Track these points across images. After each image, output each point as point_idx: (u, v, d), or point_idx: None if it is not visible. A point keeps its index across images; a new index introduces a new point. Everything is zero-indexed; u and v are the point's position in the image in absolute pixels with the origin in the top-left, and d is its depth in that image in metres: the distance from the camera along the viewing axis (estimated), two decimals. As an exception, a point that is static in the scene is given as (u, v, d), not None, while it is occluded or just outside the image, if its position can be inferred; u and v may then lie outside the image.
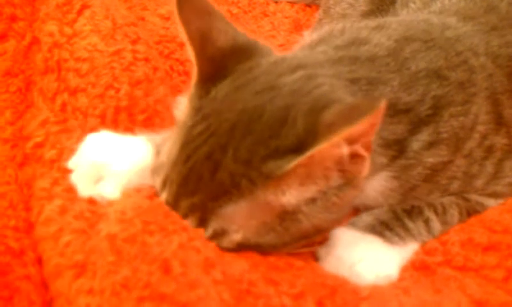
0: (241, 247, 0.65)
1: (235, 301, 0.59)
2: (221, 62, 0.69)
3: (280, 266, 0.66)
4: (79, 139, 0.76)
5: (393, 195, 0.75)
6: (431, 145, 0.73)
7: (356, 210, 0.77)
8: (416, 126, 0.72)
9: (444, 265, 0.72)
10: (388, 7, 1.03)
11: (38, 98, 0.83)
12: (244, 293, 0.60)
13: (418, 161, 0.73)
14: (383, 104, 0.57)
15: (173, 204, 0.66)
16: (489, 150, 0.79)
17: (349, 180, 0.64)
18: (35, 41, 0.87)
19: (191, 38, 0.69)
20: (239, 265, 0.63)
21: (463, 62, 0.79)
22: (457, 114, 0.75)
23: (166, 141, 0.70)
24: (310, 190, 0.63)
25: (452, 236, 0.76)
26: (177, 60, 1.00)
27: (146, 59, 0.88)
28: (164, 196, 0.67)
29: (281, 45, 1.21)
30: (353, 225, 0.74)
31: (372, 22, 0.82)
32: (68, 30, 0.86)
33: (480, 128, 0.78)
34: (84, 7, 0.89)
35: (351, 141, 0.60)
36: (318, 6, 1.28)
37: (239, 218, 0.64)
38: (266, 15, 1.33)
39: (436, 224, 0.76)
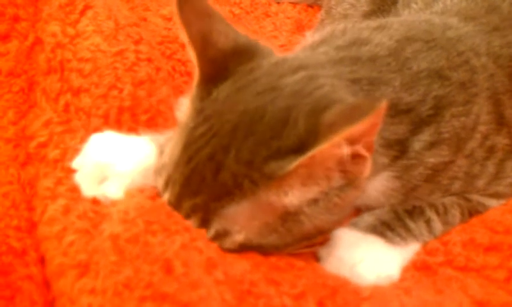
0: (243, 248, 0.66)
1: (237, 301, 0.59)
2: (222, 64, 0.69)
3: (281, 266, 0.66)
4: (83, 139, 0.76)
5: (394, 195, 0.76)
6: (432, 145, 0.73)
7: (358, 210, 0.77)
8: (418, 126, 0.72)
9: (445, 265, 0.72)
10: (389, 8, 1.03)
11: (41, 98, 0.83)
12: (246, 293, 0.60)
13: (419, 161, 0.73)
14: (383, 104, 0.57)
15: (176, 204, 0.66)
16: (491, 150, 0.79)
17: (351, 181, 0.64)
18: (38, 41, 0.88)
19: (192, 39, 0.69)
20: (241, 265, 0.63)
21: (464, 63, 0.79)
22: (459, 114, 0.75)
23: (169, 142, 0.71)
24: (312, 191, 0.64)
25: (453, 236, 0.76)
26: (179, 61, 1.00)
27: (149, 60, 0.88)
28: (166, 197, 0.67)
29: (283, 46, 1.21)
30: (354, 225, 0.74)
31: (373, 23, 0.82)
32: (70, 30, 0.87)
33: (482, 128, 0.78)
34: (87, 7, 0.90)
35: (352, 141, 0.60)
36: (320, 7, 1.29)
37: (241, 219, 0.64)
38: (268, 16, 1.33)
39: (437, 225, 0.77)
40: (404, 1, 1.00)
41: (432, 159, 0.74)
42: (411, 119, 0.72)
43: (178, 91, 0.92)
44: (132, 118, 0.82)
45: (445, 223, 0.77)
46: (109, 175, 0.71)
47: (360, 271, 0.70)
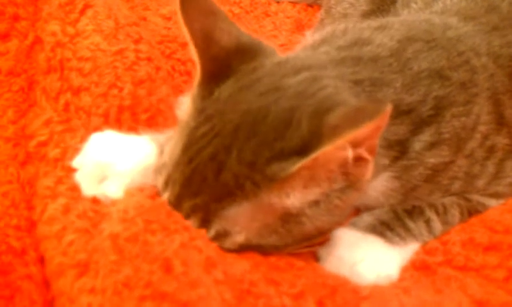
0: (243, 248, 0.66)
1: (236, 301, 0.59)
2: (224, 62, 0.69)
3: (280, 266, 0.66)
4: (83, 138, 0.76)
5: (394, 195, 0.76)
6: (432, 145, 0.73)
7: (357, 210, 0.77)
8: (418, 126, 0.72)
9: (445, 265, 0.73)
10: (388, 7, 1.03)
11: (41, 97, 0.83)
12: (245, 293, 0.60)
13: (419, 161, 0.73)
14: (388, 108, 0.57)
15: (176, 204, 0.66)
16: (491, 150, 0.79)
17: (353, 183, 0.64)
18: (38, 40, 0.87)
19: (194, 37, 0.69)
20: (240, 265, 0.63)
21: (464, 63, 0.79)
22: (459, 115, 0.75)
23: (169, 141, 0.71)
24: (314, 193, 0.63)
25: (453, 236, 0.76)
26: (179, 60, 1.00)
27: (149, 59, 0.88)
28: (166, 196, 0.67)
29: (282, 45, 1.20)
30: (354, 225, 0.75)
31: (374, 22, 0.82)
32: (70, 29, 0.86)
33: (482, 128, 0.78)
34: (87, 7, 0.89)
35: (355, 144, 0.60)
36: (320, 6, 1.29)
37: (242, 220, 0.64)
38: (268, 15, 1.32)
39: (437, 224, 0.77)
40: (403, 1, 1.00)
41: (432, 159, 0.74)
42: (411, 119, 0.72)
43: (178, 91, 0.92)
44: (132, 117, 0.82)
45: (445, 223, 0.77)
46: (109, 174, 0.71)
47: (359, 271, 0.70)
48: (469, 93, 0.77)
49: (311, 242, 0.69)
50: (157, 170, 0.69)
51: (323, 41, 0.79)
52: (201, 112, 0.67)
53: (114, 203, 0.69)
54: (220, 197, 0.64)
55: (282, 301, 0.61)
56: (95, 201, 0.70)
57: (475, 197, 0.80)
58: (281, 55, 0.74)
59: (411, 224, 0.75)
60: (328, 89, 0.66)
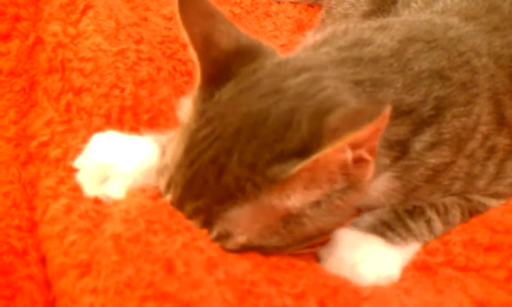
0: (244, 249, 0.66)
1: (238, 301, 0.59)
2: (224, 65, 0.69)
3: (281, 266, 0.66)
4: (85, 139, 0.76)
5: (395, 195, 0.76)
6: (433, 146, 0.74)
7: (358, 211, 0.77)
8: (419, 127, 0.72)
9: (446, 265, 0.73)
10: (389, 7, 1.03)
11: (42, 97, 0.83)
12: (246, 293, 0.61)
13: (420, 162, 0.73)
14: (388, 110, 0.57)
15: (178, 207, 0.66)
16: (491, 151, 0.80)
17: (353, 184, 0.64)
18: (39, 41, 0.87)
19: (194, 40, 0.69)
20: (242, 265, 0.63)
21: (465, 63, 0.79)
22: (460, 115, 0.76)
23: (171, 142, 0.71)
24: (315, 194, 0.64)
25: (453, 236, 0.76)
26: (180, 60, 1.00)
27: (150, 59, 0.88)
28: (168, 198, 0.67)
29: (283, 45, 1.21)
30: (355, 225, 0.75)
31: (374, 23, 0.82)
32: (71, 30, 0.87)
33: (483, 128, 0.78)
34: (88, 7, 0.89)
35: (355, 146, 0.60)
36: (320, 6, 1.29)
37: (244, 221, 0.64)
38: (269, 15, 1.33)
39: (437, 225, 0.77)
40: (404, 1, 1.00)
41: (433, 160, 0.74)
42: (412, 120, 0.72)
43: (179, 91, 0.92)
44: (134, 117, 0.82)
45: (446, 223, 0.77)
46: (111, 175, 0.71)
47: (360, 271, 0.70)
48: (470, 94, 0.77)
49: (312, 243, 0.69)
50: (159, 172, 0.70)
51: (324, 42, 0.79)
52: (202, 115, 0.67)
53: (116, 203, 0.69)
54: (221, 199, 0.64)
55: (283, 301, 0.61)
56: (96, 201, 0.70)
57: (476, 197, 0.80)
58: (281, 55, 0.74)
59: (412, 224, 0.75)
60: (328, 90, 0.66)
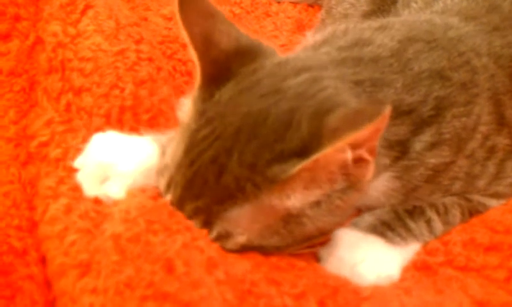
0: (245, 249, 0.66)
1: (238, 301, 0.59)
2: (224, 65, 0.69)
3: (281, 266, 0.66)
4: (85, 139, 0.76)
5: (395, 195, 0.76)
6: (433, 146, 0.74)
7: (358, 211, 0.77)
8: (419, 127, 0.73)
9: (446, 265, 0.73)
10: (389, 7, 1.03)
11: (42, 97, 0.83)
12: (246, 293, 0.61)
13: (420, 162, 0.73)
14: (388, 110, 0.57)
15: (178, 207, 0.66)
16: (491, 151, 0.80)
17: (353, 184, 0.64)
18: (39, 41, 0.87)
19: (194, 40, 0.69)
20: (242, 265, 0.63)
21: (465, 63, 0.79)
22: (460, 115, 0.76)
23: (171, 142, 0.71)
24: (315, 194, 0.64)
25: (453, 236, 0.76)
26: (180, 60, 1.00)
27: (150, 59, 0.88)
28: (168, 198, 0.67)
29: (283, 45, 1.21)
30: (355, 225, 0.75)
31: (375, 23, 0.82)
32: (71, 30, 0.87)
33: (483, 128, 0.78)
34: (88, 7, 0.90)
35: (355, 146, 0.60)
36: (320, 6, 1.29)
37: (244, 221, 0.64)
38: (269, 15, 1.33)
39: (438, 225, 0.77)
40: (404, 1, 1.00)
41: (433, 160, 0.74)
42: (412, 120, 0.72)
43: (179, 91, 0.92)
44: (134, 117, 0.82)
45: (446, 223, 0.77)
46: (111, 175, 0.71)
47: (360, 271, 0.70)
48: (470, 94, 0.77)
49: (312, 243, 0.69)
50: (159, 172, 0.70)
51: (324, 42, 0.79)
52: (202, 115, 0.67)
53: (116, 203, 0.69)
54: (221, 199, 0.64)
55: (283, 301, 0.61)
56: (96, 201, 0.70)
57: (476, 197, 0.80)
58: (281, 55, 0.74)
59: (412, 224, 0.75)
60: (328, 90, 0.66)
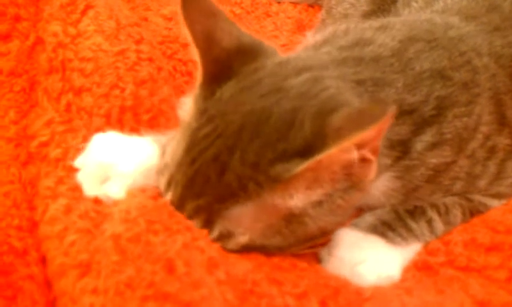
0: (246, 249, 0.66)
1: (239, 301, 0.59)
2: (226, 63, 0.69)
3: (283, 266, 0.66)
4: (85, 139, 0.76)
5: (395, 195, 0.76)
6: (434, 146, 0.73)
7: (359, 211, 0.77)
8: (420, 127, 0.72)
9: (447, 265, 0.73)
10: (389, 7, 1.03)
11: (42, 98, 0.83)
12: (248, 293, 0.60)
13: (421, 162, 0.73)
14: (392, 110, 0.57)
15: (178, 205, 0.66)
16: (492, 151, 0.79)
17: (356, 183, 0.64)
18: (39, 41, 0.87)
19: (196, 38, 0.69)
20: (243, 265, 0.63)
21: (466, 63, 0.79)
22: (461, 115, 0.75)
23: (171, 141, 0.70)
24: (317, 194, 0.63)
25: (454, 236, 0.76)
26: (180, 60, 1.00)
27: (150, 59, 0.88)
28: (168, 197, 0.67)
29: (283, 45, 1.21)
30: (355, 225, 0.74)
31: (375, 23, 0.82)
32: (72, 30, 0.87)
33: (484, 128, 0.78)
34: (88, 7, 0.90)
35: (359, 146, 0.60)
36: (321, 7, 1.29)
37: (246, 221, 0.64)
38: (269, 16, 1.33)
39: (438, 225, 0.77)
40: (404, 0, 1.00)
41: (434, 160, 0.74)
42: (413, 120, 0.72)
43: (179, 91, 0.92)
44: (134, 117, 0.82)
45: (447, 223, 0.77)
46: (111, 175, 0.71)
47: (360, 271, 0.70)
48: (471, 93, 0.77)
49: (314, 243, 0.69)
50: (159, 171, 0.69)
51: (325, 42, 0.79)
52: (203, 113, 0.67)
53: (116, 203, 0.69)
54: (223, 198, 0.63)
55: (285, 301, 0.61)
56: (96, 201, 0.70)
57: (477, 197, 0.80)
58: (282, 55, 0.74)
59: (413, 224, 0.75)
60: (330, 90, 0.66)
